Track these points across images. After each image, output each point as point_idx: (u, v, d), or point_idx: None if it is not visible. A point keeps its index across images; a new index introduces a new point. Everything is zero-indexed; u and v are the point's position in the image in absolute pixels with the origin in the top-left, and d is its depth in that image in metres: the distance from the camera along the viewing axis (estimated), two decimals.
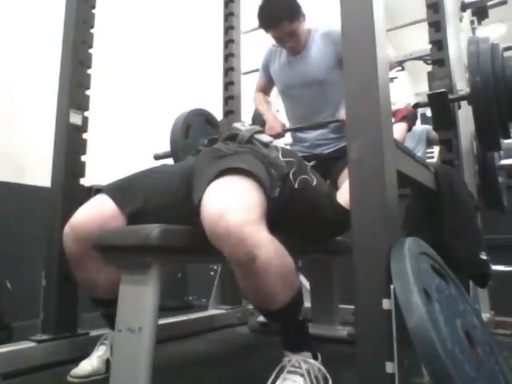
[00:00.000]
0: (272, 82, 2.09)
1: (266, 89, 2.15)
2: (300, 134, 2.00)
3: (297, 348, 1.08)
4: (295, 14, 1.77)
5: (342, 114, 1.78)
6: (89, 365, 1.22)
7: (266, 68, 2.08)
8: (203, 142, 1.98)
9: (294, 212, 1.18)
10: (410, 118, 1.61)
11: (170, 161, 1.98)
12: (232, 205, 0.93)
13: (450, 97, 1.43)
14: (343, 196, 1.23)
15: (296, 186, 1.17)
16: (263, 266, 0.93)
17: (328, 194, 1.31)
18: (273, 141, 1.31)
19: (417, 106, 1.55)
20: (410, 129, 1.65)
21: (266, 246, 0.94)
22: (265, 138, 1.30)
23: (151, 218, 1.13)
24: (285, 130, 1.94)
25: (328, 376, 1.07)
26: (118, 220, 1.17)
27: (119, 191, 1.21)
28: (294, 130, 2.01)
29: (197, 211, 0.99)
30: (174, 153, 1.95)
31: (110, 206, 1.18)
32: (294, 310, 1.06)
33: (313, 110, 1.92)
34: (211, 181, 1.00)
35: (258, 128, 1.36)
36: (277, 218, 1.03)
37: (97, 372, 1.22)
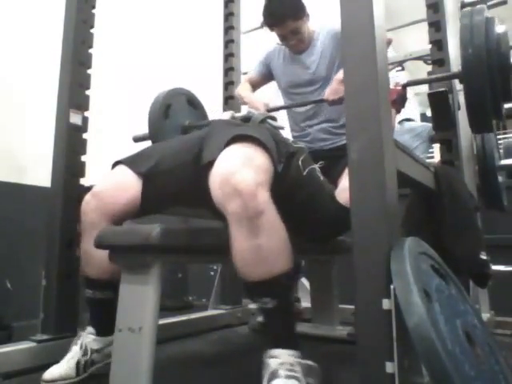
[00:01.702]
0: (266, 78, 2.06)
1: (256, 83, 2.09)
2: (302, 130, 1.97)
3: (287, 342, 0.99)
4: (299, 12, 1.79)
5: (326, 93, 1.69)
6: (57, 370, 1.16)
7: (266, 64, 2.04)
8: (185, 123, 1.86)
9: (295, 200, 1.18)
10: (398, 101, 1.53)
11: (149, 143, 1.82)
12: (243, 165, 0.99)
13: (441, 75, 1.40)
14: (342, 195, 1.24)
15: (304, 174, 1.22)
16: (269, 223, 0.98)
17: (331, 194, 1.32)
18: (284, 128, 1.37)
19: (407, 85, 1.46)
20: (398, 111, 1.58)
21: (272, 207, 1.00)
22: (276, 124, 1.39)
23: (164, 178, 1.23)
24: (269, 110, 1.86)
25: (318, 370, 0.99)
26: (135, 184, 1.23)
27: (134, 158, 1.28)
28: (278, 109, 1.95)
29: (204, 170, 1.05)
30: (151, 133, 1.82)
31: (127, 173, 1.25)
32: (291, 282, 1.05)
33: (317, 107, 1.91)
34: (225, 145, 1.05)
35: (271, 114, 1.45)
36: (278, 204, 1.04)
37: (65, 377, 1.16)
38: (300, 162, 1.23)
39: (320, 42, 1.88)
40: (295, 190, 1.16)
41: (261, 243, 0.97)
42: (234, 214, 0.97)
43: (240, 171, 0.97)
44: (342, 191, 1.25)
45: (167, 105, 1.82)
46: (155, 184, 1.23)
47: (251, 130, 1.11)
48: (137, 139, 1.95)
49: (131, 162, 1.27)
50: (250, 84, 2.08)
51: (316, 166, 1.31)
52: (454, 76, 1.35)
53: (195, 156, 1.20)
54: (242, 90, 2.07)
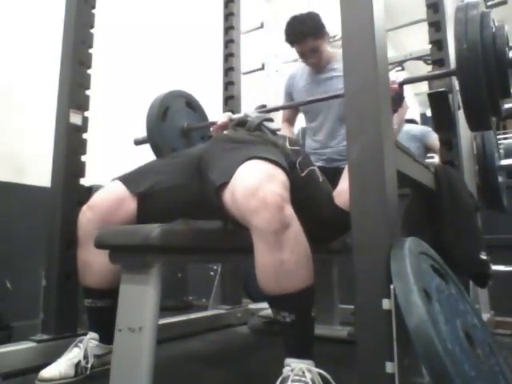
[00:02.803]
0: (297, 107, 2.13)
1: (291, 117, 2.18)
2: (318, 149, 2.03)
3: (302, 353, 1.01)
4: (319, 32, 1.89)
5: None
6: (56, 369, 1.17)
7: (289, 94, 2.12)
8: (184, 125, 1.88)
9: (295, 202, 1.18)
10: (395, 99, 1.51)
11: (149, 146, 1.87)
12: (268, 179, 0.99)
13: (436, 72, 1.37)
14: (342, 196, 1.24)
15: (302, 175, 1.24)
16: (295, 237, 0.98)
17: (329, 194, 1.32)
18: (280, 129, 1.39)
19: (403, 83, 1.44)
20: (395, 111, 1.57)
21: (297, 222, 1.00)
22: (273, 125, 1.38)
23: (160, 198, 1.24)
24: (268, 110, 1.81)
25: (329, 378, 1.00)
26: (130, 202, 1.25)
27: (130, 177, 1.30)
28: (277, 110, 1.95)
29: (216, 192, 1.06)
30: (149, 136, 1.83)
31: (122, 189, 1.26)
32: (311, 298, 1.05)
33: (336, 128, 1.93)
34: (239, 165, 1.05)
35: (267, 116, 1.43)
36: None
37: (64, 376, 1.17)
38: (298, 164, 1.24)
39: (340, 62, 1.90)
40: (294, 192, 1.16)
41: (284, 258, 0.97)
42: (259, 228, 0.96)
43: (266, 185, 0.97)
44: (339, 194, 1.26)
45: (165, 107, 1.82)
46: (150, 203, 1.25)
47: (260, 151, 1.11)
48: (138, 142, 1.97)
49: (128, 180, 1.28)
50: (287, 121, 2.16)
51: (315, 167, 1.32)
52: (450, 73, 1.32)
53: (193, 176, 1.22)
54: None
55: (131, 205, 1.25)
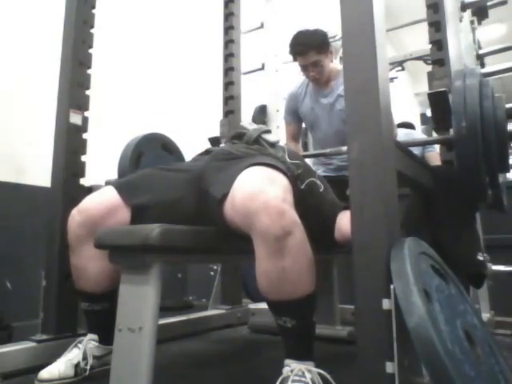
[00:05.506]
0: (301, 123, 2.17)
1: (297, 134, 2.21)
2: (325, 159, 2.06)
3: (302, 355, 1.02)
4: (323, 47, 1.94)
5: None
6: (56, 370, 1.17)
7: (292, 112, 2.15)
8: None
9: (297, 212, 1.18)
10: None
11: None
12: (269, 183, 0.98)
13: (433, 138, 1.30)
14: (341, 230, 1.23)
15: (302, 187, 1.22)
16: (297, 245, 0.96)
17: (331, 202, 1.32)
18: (279, 141, 1.35)
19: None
20: None
21: (300, 228, 0.98)
22: (272, 137, 1.34)
23: (155, 213, 1.19)
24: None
25: (329, 377, 1.01)
26: (123, 211, 1.21)
27: (125, 185, 1.26)
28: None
29: (218, 206, 1.04)
30: None
31: (116, 197, 1.22)
32: (312, 304, 1.04)
33: (340, 140, 1.94)
34: (238, 174, 1.03)
35: (265, 128, 1.39)
36: None
37: (64, 377, 1.17)
38: (298, 177, 1.23)
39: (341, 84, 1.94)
40: (295, 204, 1.15)
41: (285, 266, 0.95)
42: (260, 233, 0.94)
43: (267, 188, 0.96)
44: (339, 229, 1.25)
45: (138, 154, 1.76)
46: (145, 217, 1.20)
47: (263, 159, 1.10)
48: (109, 184, 1.88)
49: (123, 189, 1.24)
50: (293, 138, 2.18)
51: (315, 179, 1.30)
52: (449, 140, 1.25)
53: (191, 193, 1.20)
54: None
55: (125, 215, 1.20)
